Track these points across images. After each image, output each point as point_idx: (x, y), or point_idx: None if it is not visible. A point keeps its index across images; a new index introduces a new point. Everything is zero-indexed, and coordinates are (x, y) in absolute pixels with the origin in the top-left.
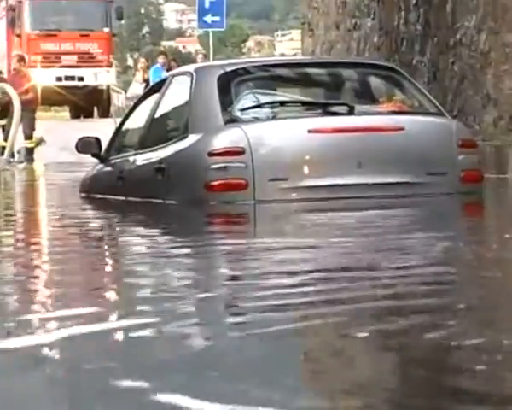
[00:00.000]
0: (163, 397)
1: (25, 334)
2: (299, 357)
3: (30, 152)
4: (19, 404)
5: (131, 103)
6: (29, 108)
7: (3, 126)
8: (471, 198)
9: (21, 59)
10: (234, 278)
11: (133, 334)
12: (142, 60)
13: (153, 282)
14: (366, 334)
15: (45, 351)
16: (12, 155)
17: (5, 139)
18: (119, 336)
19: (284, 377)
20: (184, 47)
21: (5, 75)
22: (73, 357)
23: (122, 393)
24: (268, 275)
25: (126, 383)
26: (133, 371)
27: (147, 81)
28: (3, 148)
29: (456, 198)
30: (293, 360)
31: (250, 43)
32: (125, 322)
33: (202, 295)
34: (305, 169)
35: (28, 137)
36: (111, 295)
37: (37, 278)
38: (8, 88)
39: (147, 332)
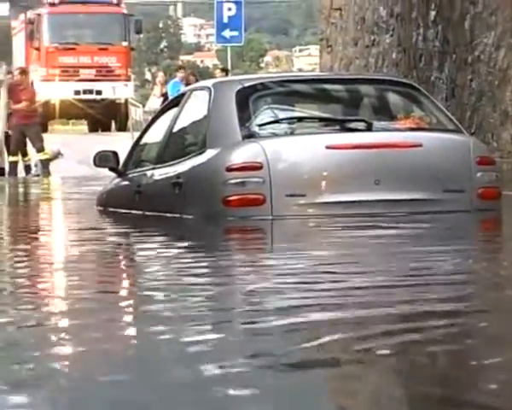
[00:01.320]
0: None
1: None
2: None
3: (46, 165)
4: None
5: (149, 117)
6: (31, 121)
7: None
8: (489, 215)
9: (23, 72)
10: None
11: None
12: (161, 74)
13: (172, 305)
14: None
15: None
16: (27, 170)
17: (12, 153)
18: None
19: None
20: (202, 61)
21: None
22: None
23: None
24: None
25: None
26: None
27: (165, 95)
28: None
29: (474, 215)
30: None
31: (268, 58)
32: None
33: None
34: (323, 185)
35: (40, 149)
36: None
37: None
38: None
39: None
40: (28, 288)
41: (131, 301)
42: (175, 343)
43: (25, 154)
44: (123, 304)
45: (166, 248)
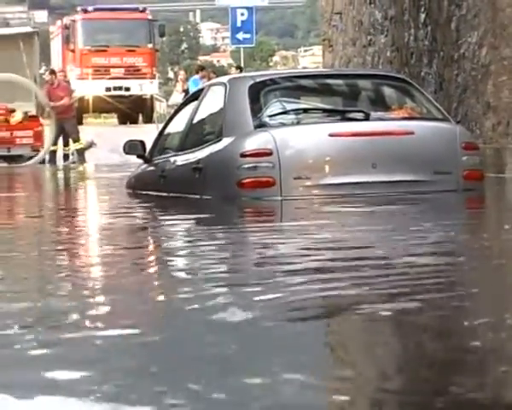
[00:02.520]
0: None
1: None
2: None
3: (81, 153)
4: None
5: (172, 110)
6: (69, 115)
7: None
8: (473, 194)
9: (52, 72)
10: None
11: None
12: (182, 72)
13: (191, 264)
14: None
15: None
16: (66, 158)
17: (52, 143)
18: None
19: None
20: (218, 61)
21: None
22: None
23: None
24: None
25: None
26: None
27: (186, 91)
28: (53, 151)
29: (460, 194)
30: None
31: (276, 58)
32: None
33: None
34: (326, 169)
35: (76, 140)
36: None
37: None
38: (41, 98)
39: None
40: (71, 249)
41: (158, 263)
42: (194, 295)
43: (66, 144)
44: (151, 264)
45: (186, 224)
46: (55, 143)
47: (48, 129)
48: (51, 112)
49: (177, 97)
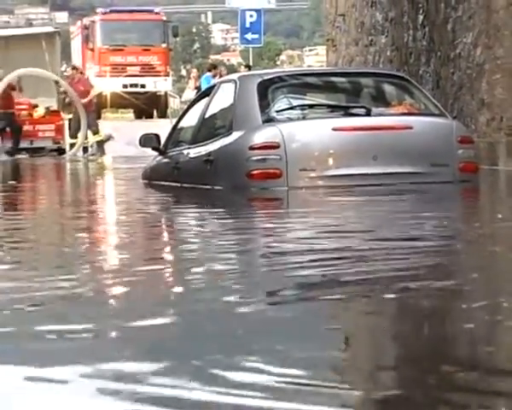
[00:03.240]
0: None
1: None
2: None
3: (100, 145)
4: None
5: (185, 106)
6: (89, 109)
7: (70, 123)
8: (468, 185)
9: (74, 68)
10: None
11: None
12: (194, 70)
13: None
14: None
15: None
16: (85, 150)
17: (71, 136)
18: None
19: None
20: (228, 60)
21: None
22: None
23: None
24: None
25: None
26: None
27: (198, 88)
28: (71, 145)
29: (456, 185)
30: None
31: (283, 57)
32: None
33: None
34: (330, 161)
35: (96, 132)
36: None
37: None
38: (70, 93)
39: None
40: (89, 233)
41: (171, 246)
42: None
43: (74, 136)
44: (164, 248)
45: (199, 211)
46: (74, 136)
47: (78, 122)
48: (79, 106)
49: (190, 94)
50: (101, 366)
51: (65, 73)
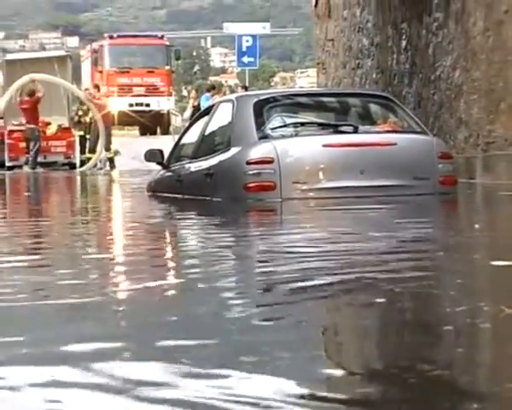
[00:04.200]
0: None
1: None
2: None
3: (112, 161)
4: None
5: (186, 124)
6: (107, 124)
7: (86, 140)
8: (448, 197)
9: (96, 86)
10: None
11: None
12: (193, 91)
13: (202, 252)
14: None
15: None
16: (95, 164)
17: (90, 151)
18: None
19: None
20: (226, 81)
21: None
22: None
23: None
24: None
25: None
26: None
27: (195, 107)
28: (88, 159)
29: (436, 197)
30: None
31: (276, 79)
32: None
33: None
34: (320, 175)
35: (108, 149)
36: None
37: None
38: (94, 110)
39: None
40: (98, 236)
41: (174, 252)
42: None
43: (84, 151)
44: (167, 253)
45: (200, 220)
46: (91, 151)
47: (95, 138)
48: (100, 121)
49: (190, 112)
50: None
51: (86, 91)
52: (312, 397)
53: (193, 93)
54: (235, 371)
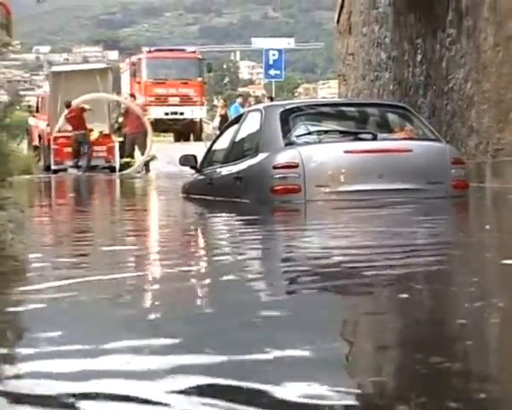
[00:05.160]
0: None
1: None
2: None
3: (147, 165)
4: None
5: (217, 131)
6: (141, 130)
7: (123, 143)
8: (460, 200)
9: (132, 95)
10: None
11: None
12: (221, 101)
13: (231, 249)
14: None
15: None
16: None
17: (127, 156)
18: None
19: None
20: (254, 92)
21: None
22: None
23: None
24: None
25: None
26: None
27: (222, 116)
28: (128, 164)
29: (449, 200)
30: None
31: (300, 90)
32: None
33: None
34: (342, 179)
35: (144, 154)
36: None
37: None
38: (139, 112)
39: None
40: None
41: (205, 250)
42: (235, 270)
43: (123, 156)
44: (199, 251)
45: (231, 220)
46: (129, 155)
47: (132, 145)
48: (147, 123)
49: (218, 120)
50: None
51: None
52: (326, 381)
53: (221, 102)
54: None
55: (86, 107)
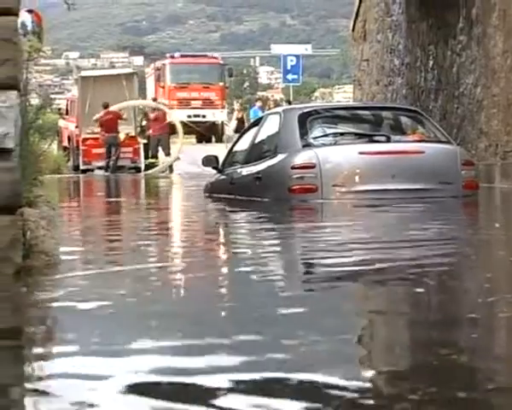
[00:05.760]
0: None
1: None
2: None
3: (170, 165)
4: None
5: (232, 134)
6: (165, 131)
7: (146, 145)
8: (470, 200)
9: (154, 99)
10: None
11: None
12: (238, 105)
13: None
14: None
15: None
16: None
17: (152, 157)
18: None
19: None
20: (272, 96)
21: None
22: None
23: None
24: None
25: None
26: None
27: (239, 119)
28: (152, 164)
29: (460, 199)
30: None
31: (316, 94)
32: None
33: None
34: (356, 179)
35: (168, 154)
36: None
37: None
38: (174, 117)
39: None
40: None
41: (226, 244)
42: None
43: (147, 157)
44: (221, 245)
45: (250, 215)
46: (154, 156)
47: (156, 146)
48: (177, 122)
49: (234, 123)
50: None
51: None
52: (341, 372)
53: (237, 106)
54: None
55: (124, 116)
